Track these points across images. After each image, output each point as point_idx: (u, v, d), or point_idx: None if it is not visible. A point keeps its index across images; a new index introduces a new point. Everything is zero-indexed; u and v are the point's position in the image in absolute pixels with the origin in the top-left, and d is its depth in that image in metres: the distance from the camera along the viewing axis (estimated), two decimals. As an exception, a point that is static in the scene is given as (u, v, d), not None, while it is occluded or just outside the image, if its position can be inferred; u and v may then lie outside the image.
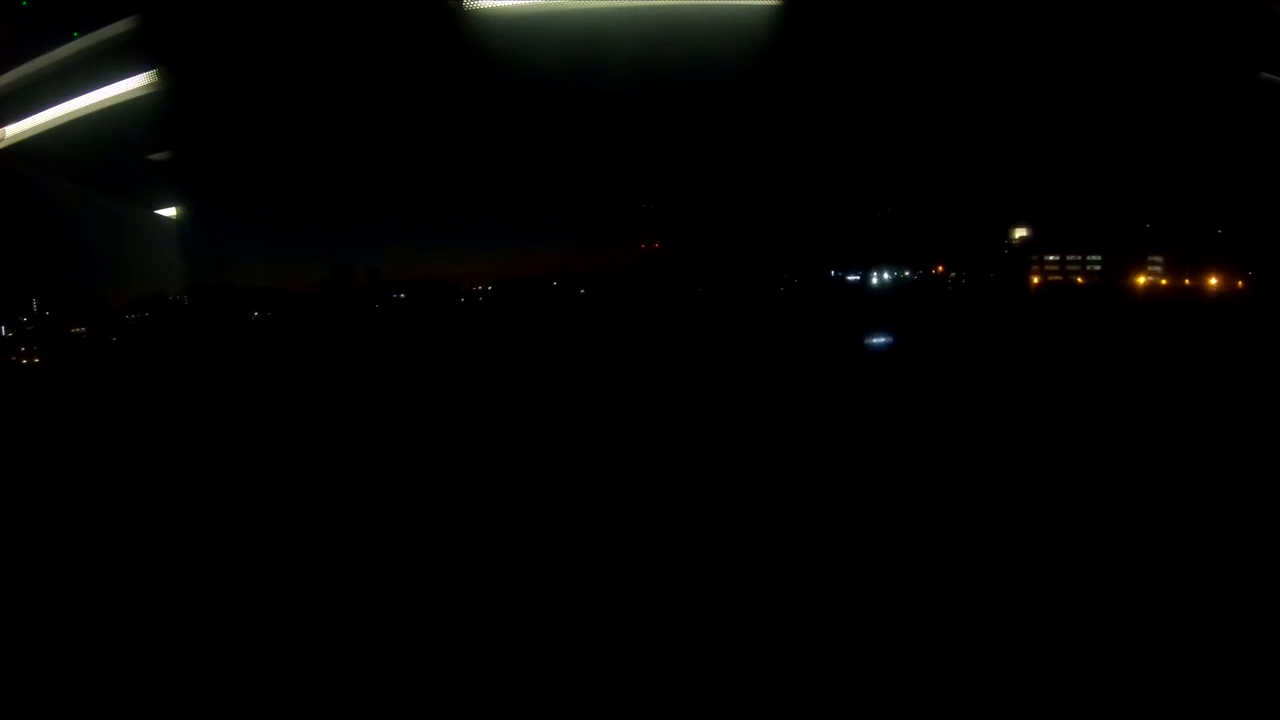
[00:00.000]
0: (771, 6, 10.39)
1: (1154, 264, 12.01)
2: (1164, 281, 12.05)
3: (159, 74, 10.56)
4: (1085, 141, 11.15)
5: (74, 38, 9.90)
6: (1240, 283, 11.86)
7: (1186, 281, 11.99)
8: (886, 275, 12.96)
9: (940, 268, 12.97)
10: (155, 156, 11.78)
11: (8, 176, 11.02)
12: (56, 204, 11.86)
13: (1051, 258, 12.39)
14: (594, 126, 11.56)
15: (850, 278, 13.06)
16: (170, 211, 12.58)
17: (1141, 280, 12.17)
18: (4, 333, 12.26)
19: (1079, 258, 12.34)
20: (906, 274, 12.97)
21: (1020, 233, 12.67)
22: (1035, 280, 12.57)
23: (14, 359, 12.13)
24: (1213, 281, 11.88)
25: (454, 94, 11.27)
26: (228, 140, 11.81)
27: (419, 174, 12.30)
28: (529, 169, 12.10)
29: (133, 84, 10.60)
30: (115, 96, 10.64)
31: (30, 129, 10.77)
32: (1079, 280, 12.43)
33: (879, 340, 11.68)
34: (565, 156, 11.98)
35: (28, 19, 9.70)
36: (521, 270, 13.52)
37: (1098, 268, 12.29)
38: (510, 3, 10.50)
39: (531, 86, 11.01)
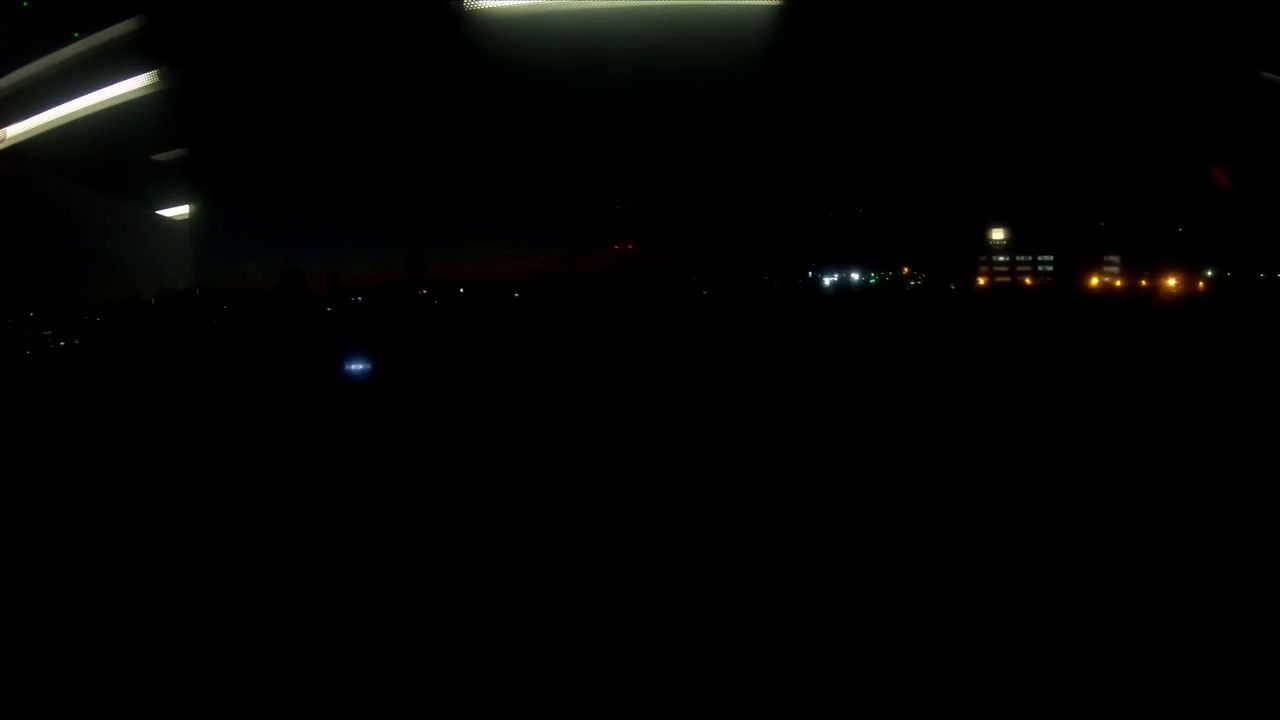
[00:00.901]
0: (771, 7, 10.41)
1: (1110, 264, 12.08)
2: (1119, 283, 12.13)
3: (159, 76, 10.75)
4: (1045, 138, 11.23)
5: (75, 39, 10.11)
6: (1201, 283, 12.03)
7: (1144, 283, 12.13)
8: (856, 276, 13.28)
9: (907, 269, 13.24)
10: (157, 157, 11.93)
11: (9, 178, 11.17)
12: (56, 205, 11.94)
13: (1001, 258, 12.34)
14: (584, 127, 11.75)
15: (826, 279, 13.38)
16: (167, 212, 12.77)
17: (1096, 281, 12.23)
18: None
19: (1029, 258, 12.31)
20: (873, 276, 13.26)
21: (995, 234, 12.68)
22: (982, 281, 12.56)
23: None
24: (1171, 282, 12.04)
25: (449, 95, 11.39)
26: (229, 142, 12.04)
27: (414, 176, 12.54)
28: (523, 170, 12.31)
29: (133, 85, 10.78)
30: (117, 97, 10.80)
31: (31, 129, 10.93)
32: (1027, 281, 12.40)
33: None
34: (557, 157, 12.20)
35: (29, 20, 9.90)
36: (499, 272, 13.74)
37: (1050, 268, 12.31)
38: (509, 3, 10.57)
39: (528, 87, 11.13)
